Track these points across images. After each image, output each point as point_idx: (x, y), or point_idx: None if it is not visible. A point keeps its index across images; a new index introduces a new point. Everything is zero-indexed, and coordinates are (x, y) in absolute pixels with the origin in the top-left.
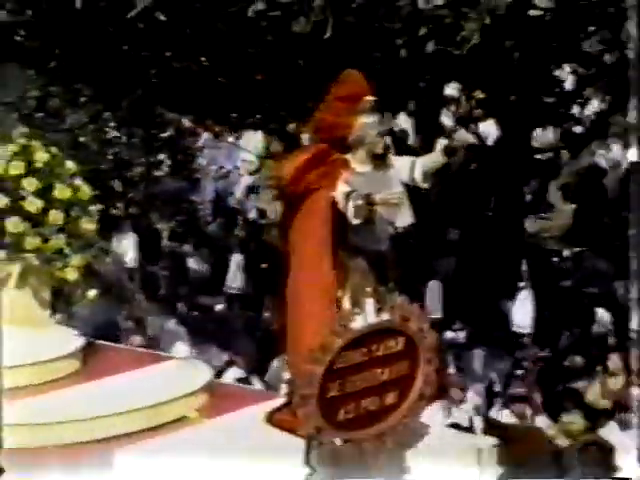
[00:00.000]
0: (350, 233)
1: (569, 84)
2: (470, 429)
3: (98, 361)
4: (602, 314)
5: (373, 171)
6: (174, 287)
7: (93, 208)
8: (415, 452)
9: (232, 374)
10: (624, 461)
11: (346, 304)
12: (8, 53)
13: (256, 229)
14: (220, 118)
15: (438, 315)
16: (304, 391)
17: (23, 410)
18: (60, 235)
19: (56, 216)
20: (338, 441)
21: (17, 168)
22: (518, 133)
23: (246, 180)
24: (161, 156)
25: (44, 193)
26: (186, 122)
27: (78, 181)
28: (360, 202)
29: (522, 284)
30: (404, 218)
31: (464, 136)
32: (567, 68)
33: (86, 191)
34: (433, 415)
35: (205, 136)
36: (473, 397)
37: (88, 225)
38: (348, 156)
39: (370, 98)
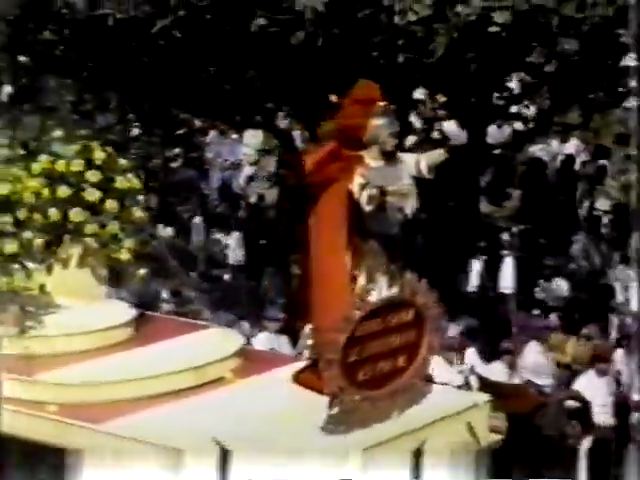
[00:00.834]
0: (364, 219)
1: (517, 89)
2: (467, 386)
3: (147, 329)
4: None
5: (385, 166)
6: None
7: (142, 198)
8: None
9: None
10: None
11: (362, 281)
12: (49, 65)
13: (256, 211)
14: (225, 118)
15: None
16: (329, 356)
17: (85, 371)
18: (115, 222)
19: (112, 205)
20: (357, 398)
21: (78, 165)
22: (475, 131)
23: (247, 170)
24: (176, 150)
25: (102, 185)
26: (197, 122)
27: (130, 175)
28: (374, 192)
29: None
30: (412, 206)
31: (461, 137)
32: (515, 76)
33: (137, 183)
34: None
35: (213, 134)
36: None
37: (139, 213)
38: (363, 153)
39: (382, 103)
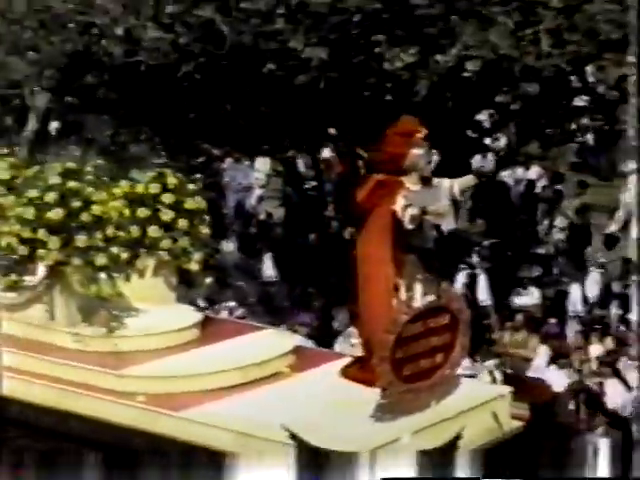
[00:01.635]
0: (405, 235)
1: (487, 124)
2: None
3: (211, 330)
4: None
5: (423, 189)
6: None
7: (207, 217)
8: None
9: None
10: None
11: (402, 289)
12: (91, 104)
13: (265, 227)
14: (239, 148)
15: None
16: (381, 354)
17: (164, 366)
18: (186, 238)
19: (183, 223)
20: (402, 390)
21: (155, 189)
22: (452, 159)
23: (258, 192)
24: (197, 176)
25: (175, 206)
26: (215, 151)
27: (197, 197)
28: (415, 212)
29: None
30: (449, 223)
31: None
32: (486, 113)
33: (203, 204)
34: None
35: (229, 161)
36: None
37: (205, 230)
38: (403, 178)
39: (420, 135)
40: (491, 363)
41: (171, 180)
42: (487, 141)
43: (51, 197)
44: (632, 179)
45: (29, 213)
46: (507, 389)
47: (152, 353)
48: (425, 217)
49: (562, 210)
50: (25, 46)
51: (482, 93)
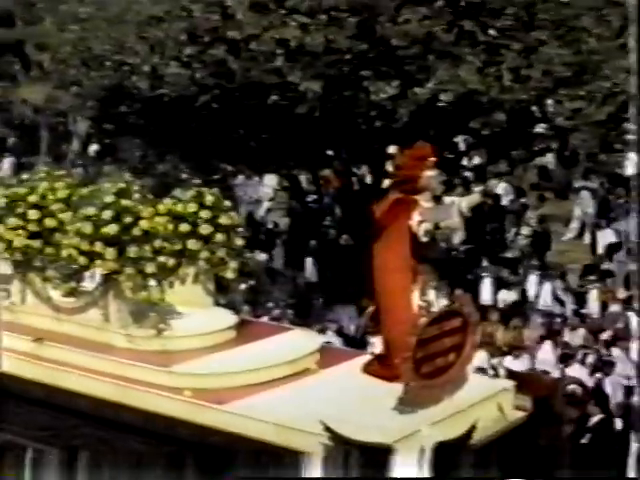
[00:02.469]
0: (420, 247)
1: (462, 147)
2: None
3: (246, 331)
4: None
5: (434, 206)
6: None
7: (241, 230)
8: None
9: None
10: None
11: (417, 295)
12: (124, 130)
13: (272, 235)
14: (250, 166)
15: None
16: (405, 354)
17: (207, 364)
18: (222, 249)
19: (220, 237)
20: (421, 386)
21: (193, 207)
22: None
23: (266, 204)
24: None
25: (212, 221)
26: (229, 168)
27: (232, 213)
28: (429, 227)
29: None
30: (459, 236)
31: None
32: (460, 137)
33: (237, 219)
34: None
35: (241, 177)
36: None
37: (239, 241)
38: (418, 197)
39: (432, 159)
40: (495, 361)
41: (209, 198)
42: (463, 161)
43: (107, 214)
44: (583, 194)
45: (87, 228)
46: (510, 383)
47: (195, 352)
48: (437, 231)
49: (526, 220)
50: (70, 81)
51: (457, 120)
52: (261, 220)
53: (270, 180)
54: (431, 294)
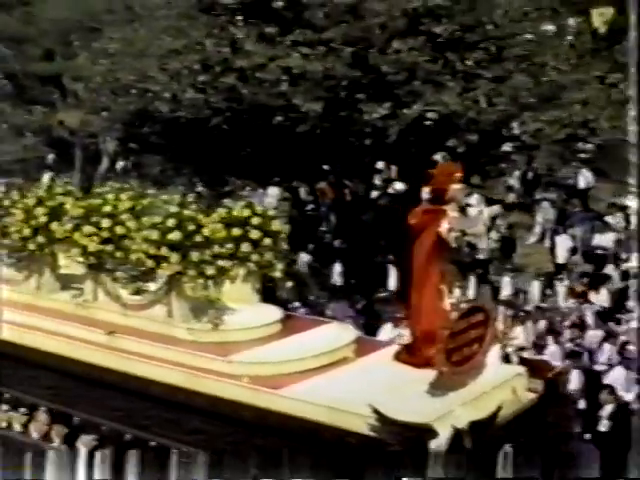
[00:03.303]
0: (448, 251)
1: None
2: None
3: (290, 325)
4: None
5: (460, 216)
6: None
7: (284, 235)
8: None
9: None
10: None
11: (445, 292)
12: (146, 148)
13: None
14: (256, 179)
15: None
16: (439, 346)
17: (261, 353)
18: (270, 252)
19: (268, 241)
20: (450, 372)
21: (246, 213)
22: (414, 189)
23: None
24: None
25: (261, 227)
26: (238, 182)
27: (277, 221)
28: (457, 234)
29: None
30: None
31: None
32: (439, 154)
33: (281, 226)
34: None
35: (248, 189)
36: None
37: (285, 245)
38: (446, 207)
39: (459, 175)
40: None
41: (258, 208)
42: None
43: (172, 222)
44: (544, 204)
45: (154, 235)
46: (523, 369)
47: (248, 343)
48: (464, 238)
49: (496, 226)
50: (100, 107)
51: (437, 139)
52: None
53: (273, 192)
54: (456, 292)
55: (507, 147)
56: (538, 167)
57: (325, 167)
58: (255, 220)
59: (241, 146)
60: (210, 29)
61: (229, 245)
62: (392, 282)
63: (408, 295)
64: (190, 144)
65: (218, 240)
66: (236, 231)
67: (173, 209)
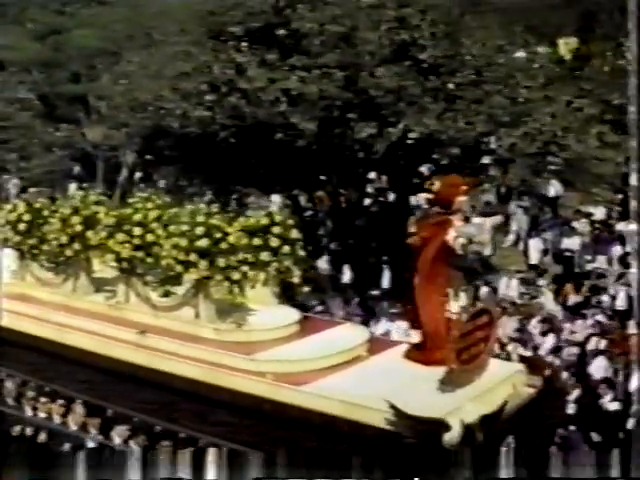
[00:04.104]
0: (454, 257)
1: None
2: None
3: (307, 325)
4: None
5: (466, 225)
6: None
7: (301, 242)
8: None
9: None
10: None
11: (451, 296)
12: (161, 160)
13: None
14: (260, 188)
15: None
16: (450, 346)
17: (282, 352)
18: (289, 259)
19: (287, 249)
20: (459, 370)
21: (266, 222)
22: (403, 197)
23: None
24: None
25: (281, 235)
26: (244, 190)
27: (294, 229)
28: (463, 241)
29: None
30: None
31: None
32: (424, 166)
33: (297, 234)
34: None
35: (252, 197)
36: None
37: (302, 253)
38: (452, 217)
39: (464, 187)
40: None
41: (278, 217)
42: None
43: (200, 230)
44: (518, 211)
45: (183, 242)
46: (522, 366)
47: (270, 342)
48: (470, 245)
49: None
50: (120, 123)
51: (422, 153)
52: None
53: (275, 199)
54: (462, 296)
55: (486, 159)
56: (513, 178)
57: (322, 177)
58: (275, 229)
59: (246, 158)
60: (217, 54)
61: (253, 252)
62: (385, 281)
63: (413, 298)
64: (200, 156)
65: (242, 247)
66: (257, 241)
67: (201, 218)
